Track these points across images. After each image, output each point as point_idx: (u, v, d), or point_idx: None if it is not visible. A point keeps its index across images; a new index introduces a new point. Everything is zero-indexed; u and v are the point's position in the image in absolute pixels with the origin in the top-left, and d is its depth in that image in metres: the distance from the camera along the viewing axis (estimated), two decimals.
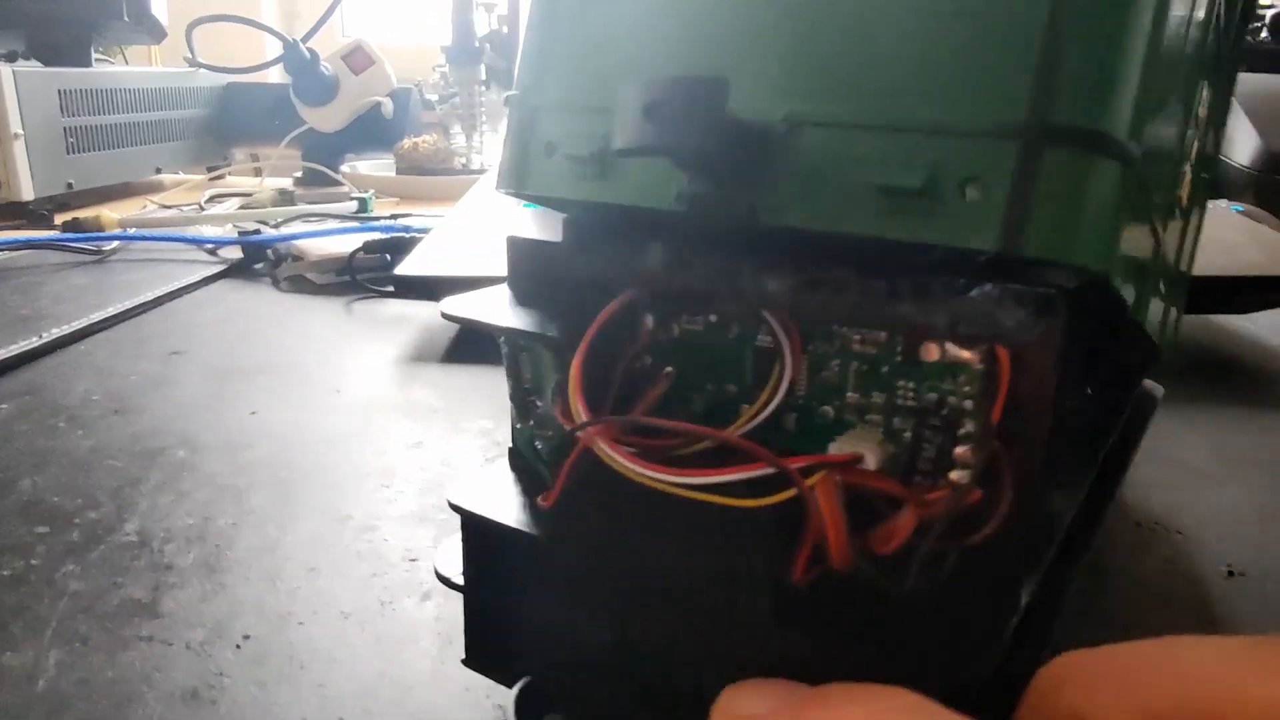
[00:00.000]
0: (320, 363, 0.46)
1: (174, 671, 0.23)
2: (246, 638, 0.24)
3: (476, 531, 0.19)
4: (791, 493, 0.14)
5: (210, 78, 1.10)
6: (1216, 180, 0.93)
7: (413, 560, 0.28)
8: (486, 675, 0.20)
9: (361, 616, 0.25)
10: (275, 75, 1.12)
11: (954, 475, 0.15)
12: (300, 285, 0.61)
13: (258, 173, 1.16)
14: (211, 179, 1.11)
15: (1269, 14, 1.18)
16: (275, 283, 0.62)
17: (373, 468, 0.34)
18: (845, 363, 0.16)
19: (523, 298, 0.19)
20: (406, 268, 0.50)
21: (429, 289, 0.51)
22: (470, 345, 0.49)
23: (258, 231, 0.66)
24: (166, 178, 1.07)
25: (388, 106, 1.06)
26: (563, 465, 0.17)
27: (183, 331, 0.51)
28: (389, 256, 0.59)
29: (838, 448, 0.15)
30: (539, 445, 0.20)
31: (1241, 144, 0.91)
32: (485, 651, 0.20)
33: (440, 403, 0.41)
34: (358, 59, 1.05)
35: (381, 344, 0.49)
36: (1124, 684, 0.13)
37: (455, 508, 0.19)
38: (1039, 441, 0.14)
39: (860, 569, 0.14)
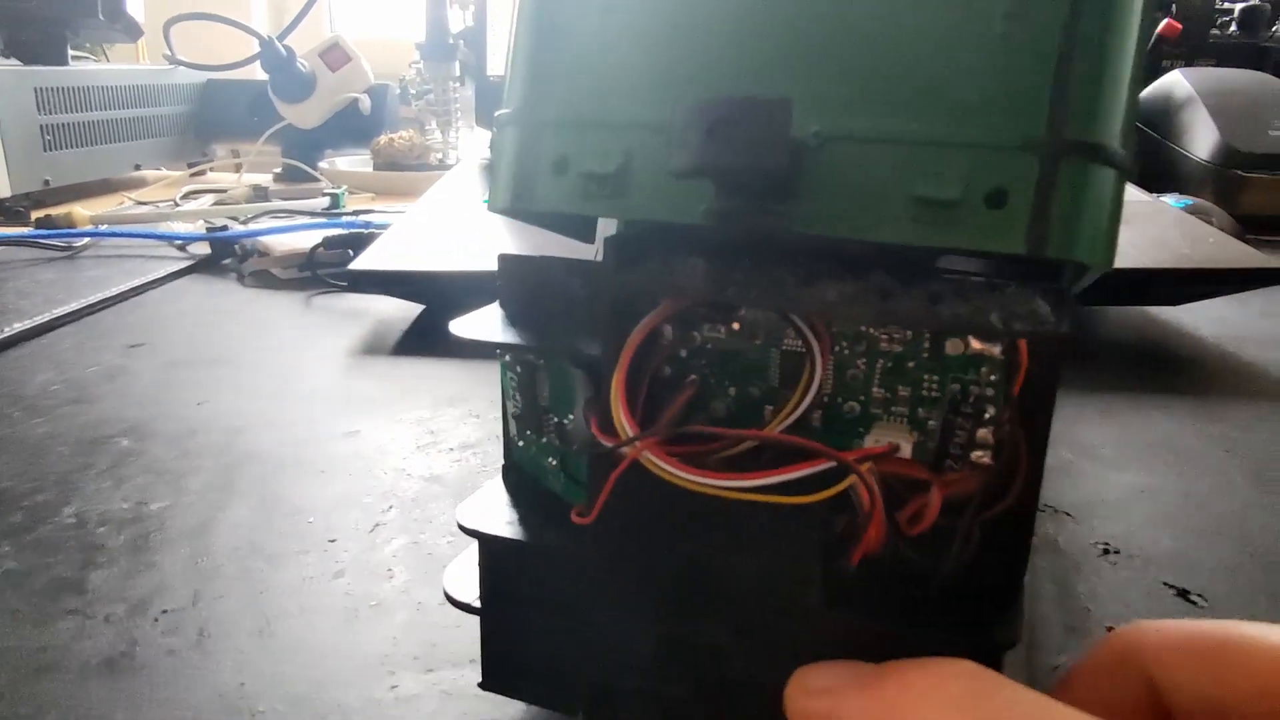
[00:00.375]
0: (272, 354, 0.48)
1: (94, 642, 0.24)
2: (165, 611, 0.26)
3: (498, 553, 0.19)
4: (839, 488, 0.16)
5: (189, 75, 1.12)
6: (1177, 174, 0.95)
7: (332, 540, 0.29)
8: (506, 694, 0.21)
9: (278, 592, 0.27)
10: (256, 72, 1.13)
11: (976, 456, 0.16)
12: (265, 280, 0.63)
13: (239, 168, 1.18)
14: (193, 175, 1.13)
15: (1238, 7, 1.20)
16: (240, 278, 0.63)
17: (308, 455, 0.36)
18: (871, 360, 0.17)
19: (528, 315, 0.19)
20: (360, 263, 0.52)
21: (384, 283, 0.52)
22: (417, 339, 0.51)
23: (225, 228, 0.67)
24: (147, 173, 1.08)
25: (365, 103, 1.08)
26: (598, 479, 0.17)
27: (145, 325, 0.53)
28: (350, 251, 0.60)
29: (872, 440, 0.17)
30: (552, 461, 0.20)
31: (1201, 139, 0.93)
32: (504, 671, 0.20)
33: (381, 394, 0.42)
34: (334, 56, 1.07)
35: (335, 337, 0.51)
36: (1202, 662, 0.14)
37: (471, 532, 0.19)
38: (1048, 418, 0.16)
39: (898, 552, 0.16)
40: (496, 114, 0.17)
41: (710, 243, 0.16)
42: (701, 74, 0.15)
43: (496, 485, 0.21)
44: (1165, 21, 1.03)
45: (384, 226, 0.62)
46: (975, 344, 0.16)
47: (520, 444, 0.21)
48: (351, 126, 1.10)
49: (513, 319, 0.19)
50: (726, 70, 0.15)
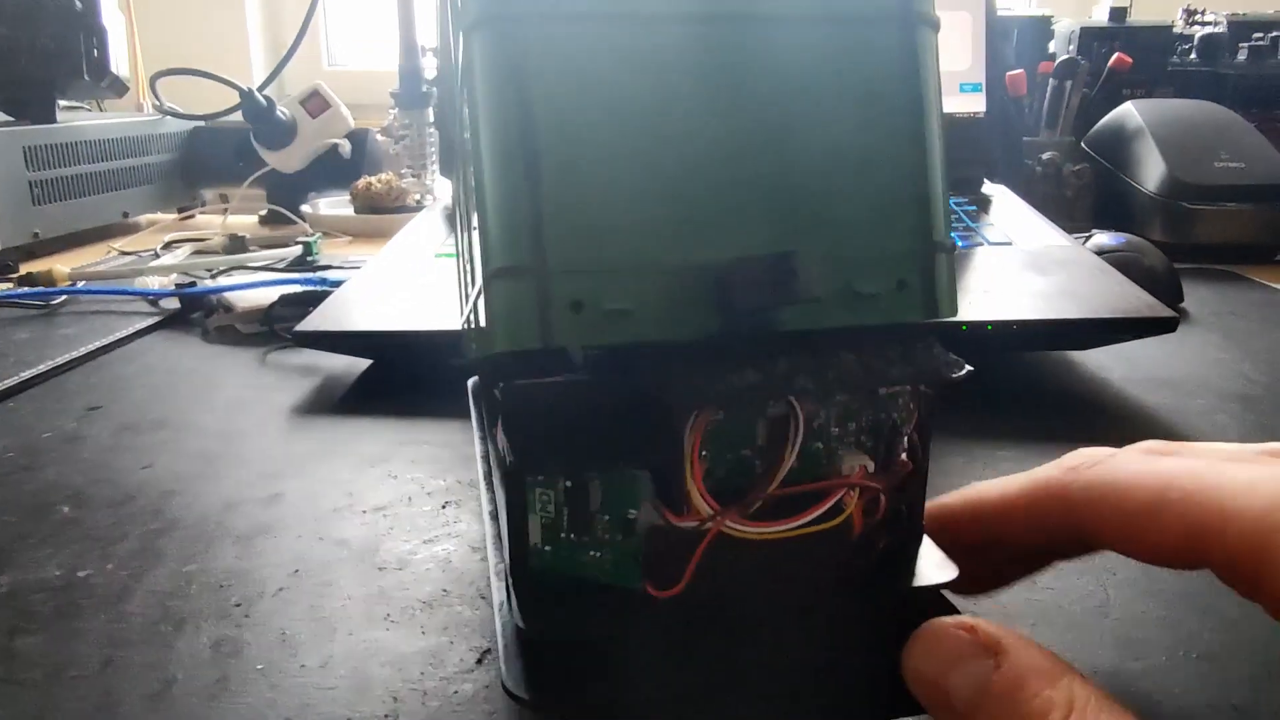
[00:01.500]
0: (217, 415, 0.51)
1: (14, 708, 0.27)
2: (74, 677, 0.29)
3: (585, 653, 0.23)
4: (844, 516, 0.23)
5: (177, 123, 1.16)
6: (1125, 207, 0.97)
7: (236, 605, 0.32)
8: None
9: (181, 657, 0.30)
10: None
11: (901, 461, 0.24)
12: (229, 336, 0.66)
13: (225, 213, 1.22)
14: (182, 219, 1.17)
15: (1198, 35, 1.22)
16: (205, 333, 0.67)
17: (231, 520, 0.39)
18: (829, 411, 0.23)
19: (555, 437, 0.22)
20: (307, 324, 0.55)
21: (329, 342, 0.56)
22: (359, 395, 0.54)
23: (194, 284, 0.71)
24: (144, 218, 1.13)
25: (345, 147, 1.12)
26: (675, 557, 0.22)
27: (105, 386, 0.56)
28: (310, 308, 0.64)
29: (847, 466, 0.23)
30: (595, 554, 0.23)
31: (1149, 171, 0.95)
32: None
33: (311, 454, 0.45)
34: (314, 103, 1.11)
35: (281, 394, 0.54)
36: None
37: (556, 636, 0.23)
38: (930, 428, 0.24)
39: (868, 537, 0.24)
40: (494, 268, 0.20)
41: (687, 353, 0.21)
42: (697, 225, 0.20)
43: (525, 591, 0.23)
44: (1116, 56, 1.06)
45: (339, 284, 0.66)
46: (894, 388, 0.23)
47: (548, 549, 0.23)
48: (333, 169, 1.14)
49: (541, 440, 0.22)
50: (712, 220, 0.20)
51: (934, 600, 0.24)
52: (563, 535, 0.23)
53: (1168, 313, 0.51)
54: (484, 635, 0.31)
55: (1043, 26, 1.17)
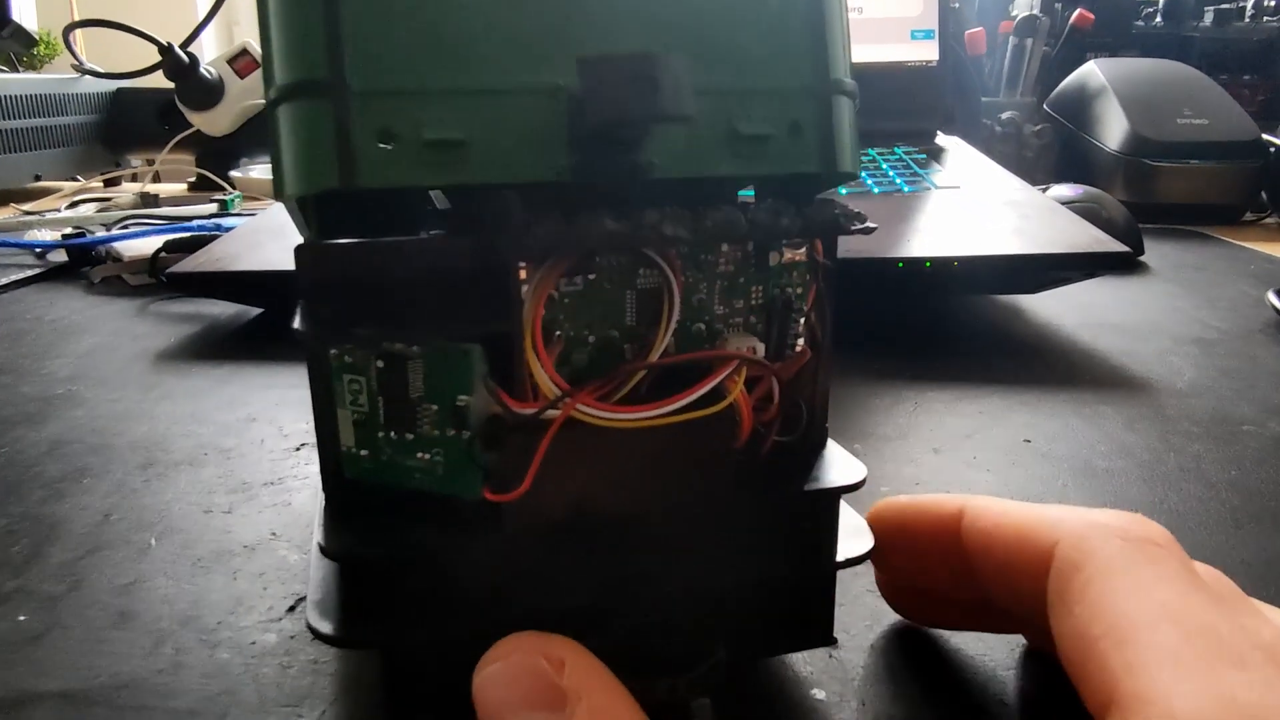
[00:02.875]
0: (72, 362, 0.46)
1: None
2: None
3: (396, 572, 0.18)
4: (728, 401, 0.19)
5: (97, 84, 1.10)
6: (1089, 164, 0.93)
7: (15, 531, 0.27)
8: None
9: None
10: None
11: (798, 347, 0.21)
12: (114, 287, 0.61)
13: (156, 177, 1.16)
14: (105, 185, 1.11)
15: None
16: (90, 285, 0.61)
17: (48, 464, 0.34)
18: (711, 284, 0.20)
19: (362, 306, 0.17)
20: (183, 265, 0.50)
21: (208, 286, 0.51)
22: (239, 345, 0.49)
23: (82, 234, 0.65)
24: (61, 184, 1.06)
25: None
26: (518, 450, 0.17)
27: None
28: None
29: (733, 349, 0.20)
30: (425, 455, 0.18)
31: (1112, 128, 0.92)
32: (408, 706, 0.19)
33: (166, 397, 0.40)
34: (243, 63, 1.05)
35: (153, 341, 0.49)
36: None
37: (354, 557, 0.18)
38: (831, 308, 0.20)
39: (759, 433, 0.20)
40: (278, 87, 0.16)
41: (542, 201, 0.17)
42: (545, 38, 0.16)
43: (338, 506, 0.19)
44: (1078, 12, 1.02)
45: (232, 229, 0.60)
46: (789, 254, 0.20)
47: (364, 453, 0.19)
48: (266, 133, 1.08)
49: (344, 313, 0.17)
50: (564, 33, 0.16)
51: (829, 507, 0.20)
52: (380, 434, 0.19)
53: (1121, 247, 0.47)
54: (305, 581, 0.26)
55: None
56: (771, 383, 0.20)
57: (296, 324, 0.18)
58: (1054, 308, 0.55)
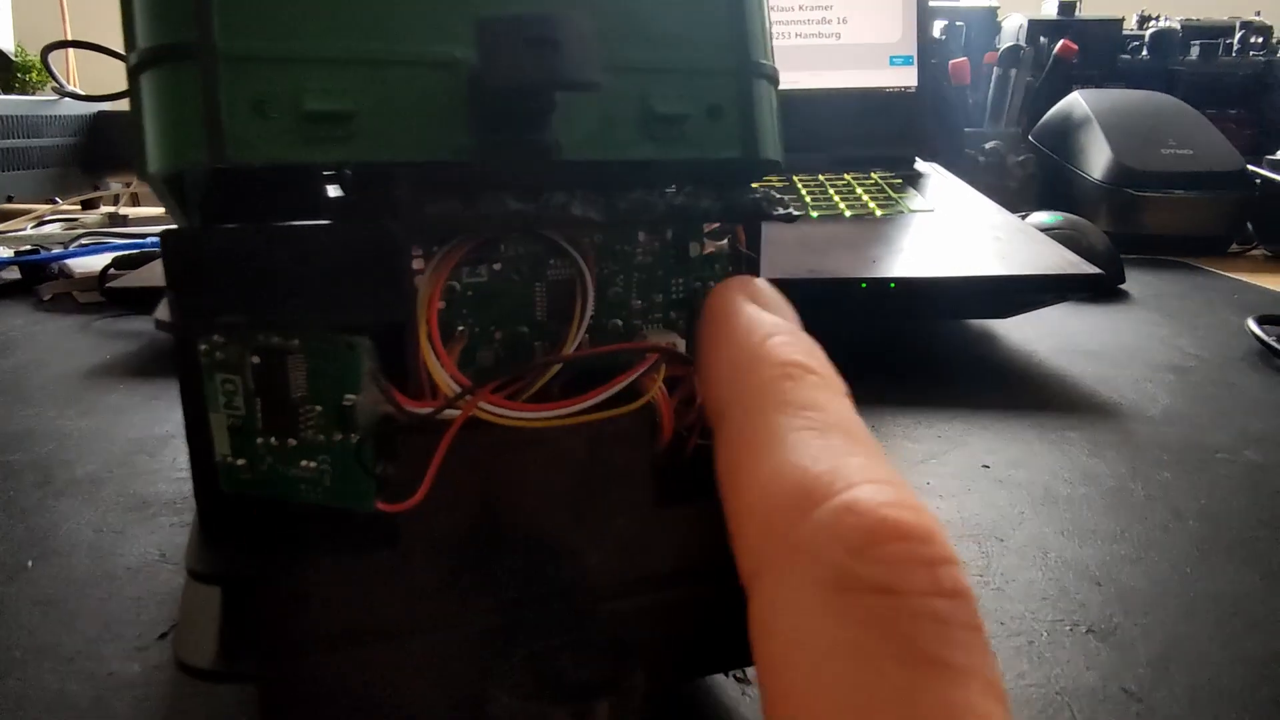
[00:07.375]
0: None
1: None
2: None
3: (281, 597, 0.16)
4: (645, 399, 0.17)
5: (77, 106, 1.09)
6: (1073, 195, 0.92)
7: None
8: None
9: None
10: None
11: None
12: (63, 304, 0.59)
13: (134, 200, 1.15)
14: (82, 209, 1.10)
15: (1149, 32, 1.19)
16: (39, 301, 0.59)
17: None
18: (628, 276, 0.18)
19: (233, 296, 0.15)
20: (119, 281, 0.48)
21: (146, 301, 0.49)
22: (151, 363, 0.47)
23: (35, 251, 0.64)
24: (37, 206, 1.05)
25: None
26: (415, 454, 0.16)
27: None
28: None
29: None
30: (310, 463, 0.16)
31: (1096, 159, 0.91)
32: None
33: (87, 412, 0.38)
34: None
35: (89, 358, 0.47)
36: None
37: (232, 580, 0.16)
38: None
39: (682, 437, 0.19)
40: (140, 51, 0.14)
41: (443, 186, 0.15)
42: (449, 10, 0.15)
43: (213, 524, 0.17)
44: (1061, 42, 1.02)
45: None
46: (710, 246, 0.19)
47: (242, 462, 0.17)
48: None
49: (214, 304, 0.15)
50: (474, 7, 0.15)
51: None
52: (259, 441, 0.16)
53: (1093, 269, 0.46)
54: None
55: (989, 17, 1.13)
56: (694, 383, 0.18)
57: (158, 314, 0.16)
58: (1028, 334, 0.53)
